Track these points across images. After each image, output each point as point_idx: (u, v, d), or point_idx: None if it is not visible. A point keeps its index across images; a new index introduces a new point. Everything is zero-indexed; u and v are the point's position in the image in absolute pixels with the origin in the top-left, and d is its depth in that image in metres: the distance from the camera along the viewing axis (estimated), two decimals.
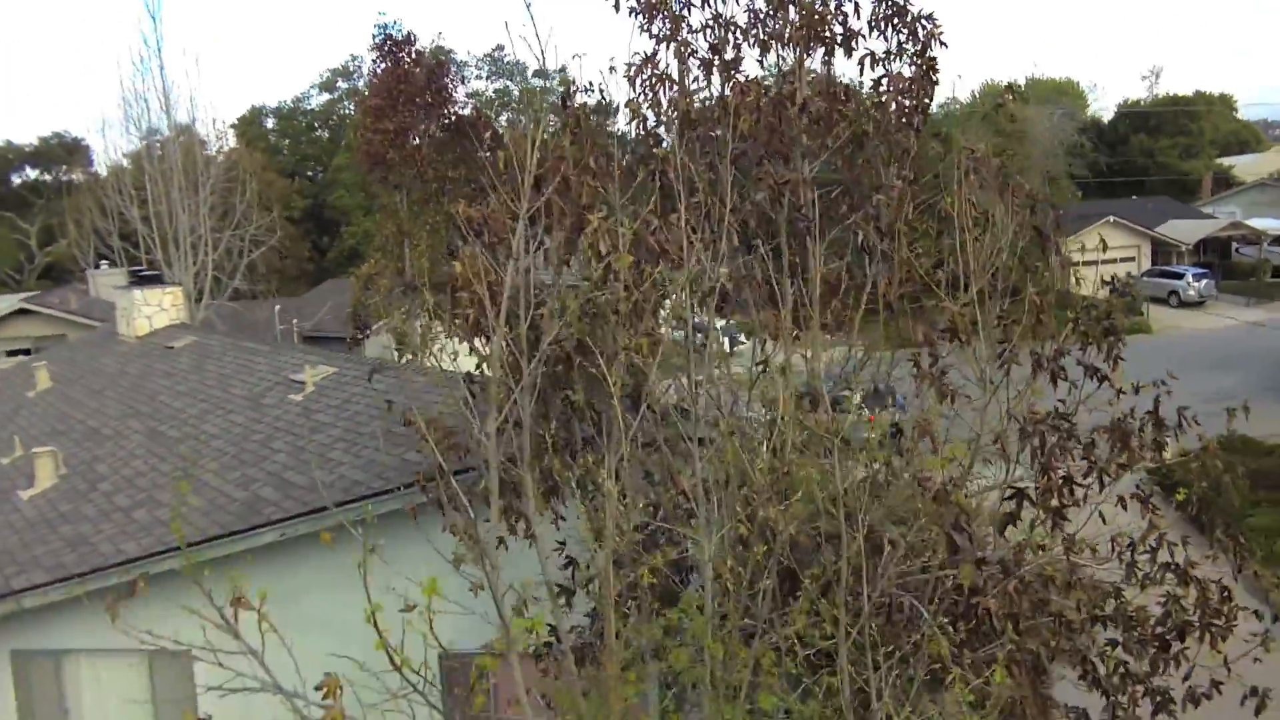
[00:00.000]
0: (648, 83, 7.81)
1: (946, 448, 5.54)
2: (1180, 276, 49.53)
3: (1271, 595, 8.11)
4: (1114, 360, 6.93)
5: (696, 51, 7.88)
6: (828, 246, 7.25)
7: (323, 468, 10.73)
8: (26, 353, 27.52)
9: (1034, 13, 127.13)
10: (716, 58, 7.81)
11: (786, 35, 7.36)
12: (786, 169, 7.33)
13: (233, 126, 54.39)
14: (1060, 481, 5.81)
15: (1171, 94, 79.77)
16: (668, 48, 7.89)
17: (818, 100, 7.18)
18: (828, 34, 7.72)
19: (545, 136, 7.80)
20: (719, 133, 7.16)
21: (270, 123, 62.13)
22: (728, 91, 7.55)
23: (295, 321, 27.16)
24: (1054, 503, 5.79)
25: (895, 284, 6.93)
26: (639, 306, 5.22)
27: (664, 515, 5.59)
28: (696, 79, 7.91)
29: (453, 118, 27.03)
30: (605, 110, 7.82)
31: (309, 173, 59.71)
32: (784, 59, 7.60)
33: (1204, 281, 49.41)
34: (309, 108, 62.43)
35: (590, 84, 7.82)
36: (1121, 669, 6.05)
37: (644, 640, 5.34)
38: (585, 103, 7.92)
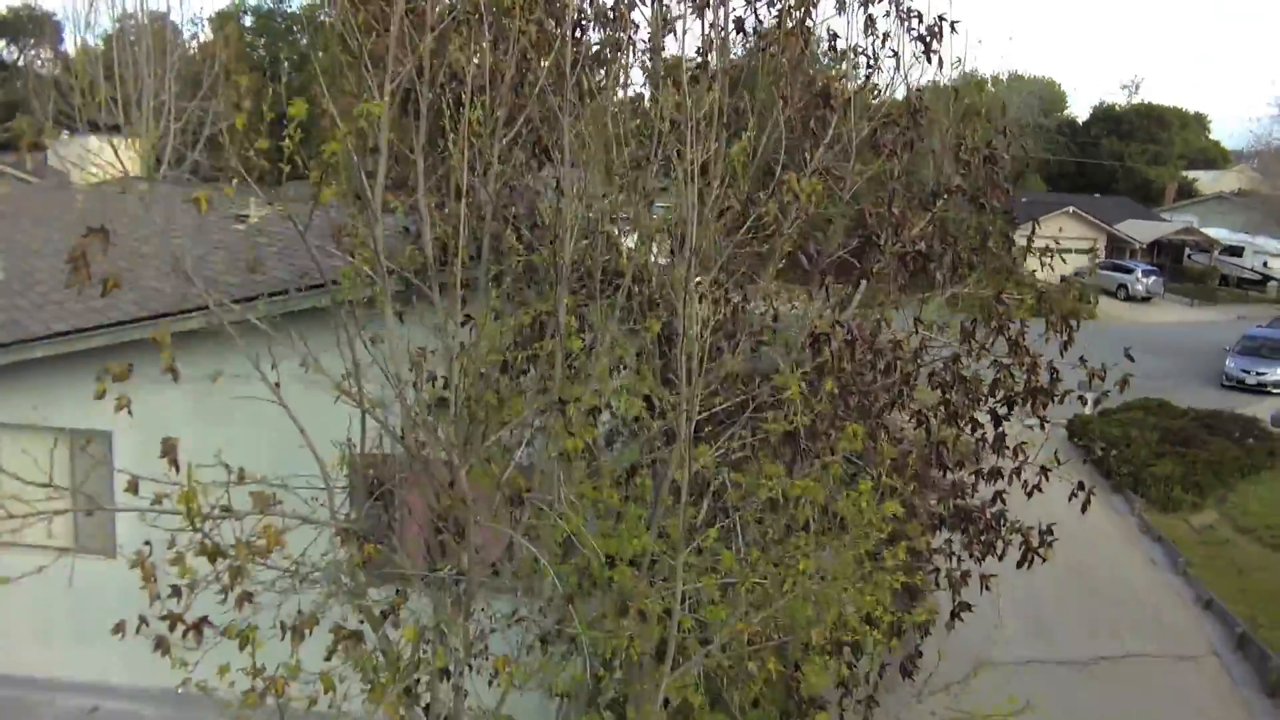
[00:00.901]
0: None
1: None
2: (1130, 271, 50.84)
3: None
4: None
5: None
6: None
7: (257, 270, 11.14)
8: None
9: (1022, 10, 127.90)
10: None
11: None
12: None
13: (209, 20, 53.69)
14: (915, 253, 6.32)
15: (1148, 102, 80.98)
16: None
17: None
18: None
19: None
20: None
21: (248, 20, 61.44)
22: None
23: (254, 200, 27.04)
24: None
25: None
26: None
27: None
28: None
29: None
30: None
31: (283, 77, 59.12)
32: None
33: (1152, 278, 50.83)
34: (291, 9, 61.78)
35: None
36: (945, 410, 6.62)
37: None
38: None
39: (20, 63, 50.65)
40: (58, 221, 17.63)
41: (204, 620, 5.30)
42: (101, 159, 20.05)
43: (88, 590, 11.27)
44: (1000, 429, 6.92)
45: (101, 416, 10.97)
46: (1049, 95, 78.82)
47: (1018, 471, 7.03)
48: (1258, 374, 31.26)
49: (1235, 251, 57.13)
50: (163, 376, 11.43)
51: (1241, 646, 15.47)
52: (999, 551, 7.09)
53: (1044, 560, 7.27)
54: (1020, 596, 17.21)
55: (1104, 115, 79.70)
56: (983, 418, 6.85)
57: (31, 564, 11.18)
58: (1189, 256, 58.92)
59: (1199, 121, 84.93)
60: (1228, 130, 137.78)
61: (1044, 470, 7.08)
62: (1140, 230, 56.51)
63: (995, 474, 7.01)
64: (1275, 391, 30.46)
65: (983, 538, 6.95)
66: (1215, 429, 23.14)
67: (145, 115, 24.88)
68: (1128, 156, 74.58)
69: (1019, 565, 7.17)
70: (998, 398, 6.82)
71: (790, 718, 5.72)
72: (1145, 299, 50.03)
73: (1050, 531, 7.18)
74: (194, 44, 35.91)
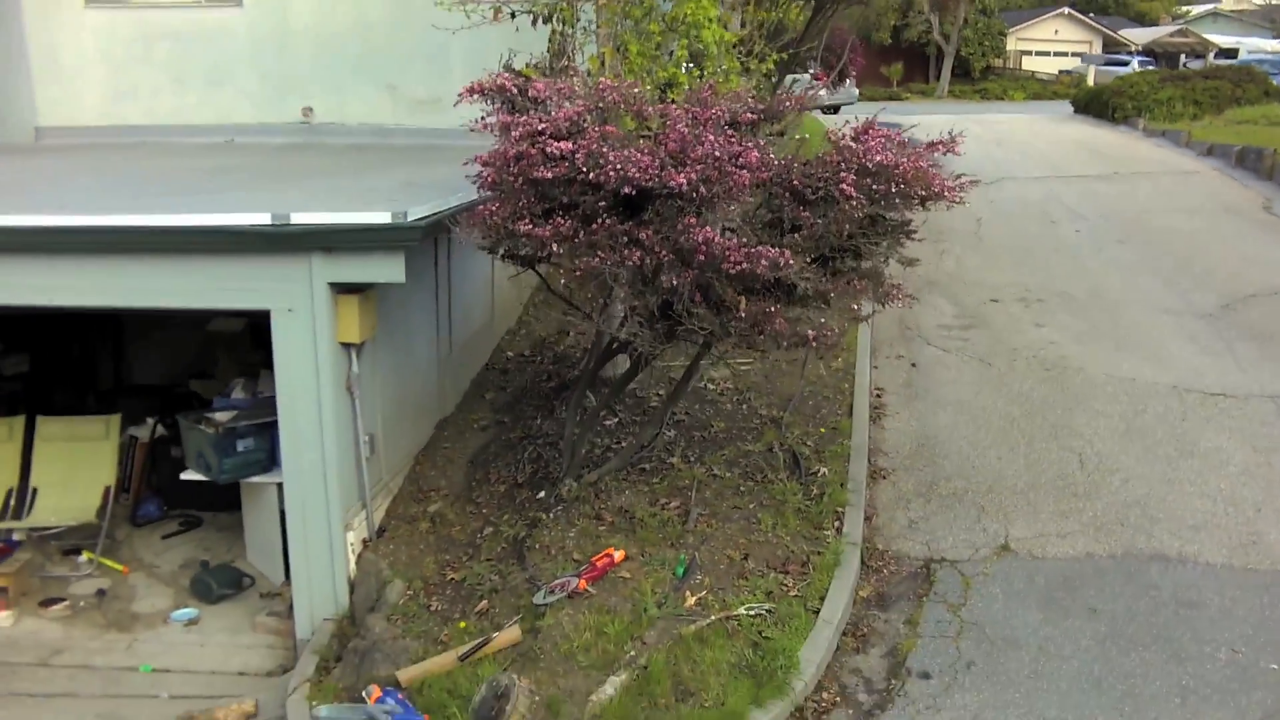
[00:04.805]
0: None
1: None
2: (1125, 64, 51.81)
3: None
4: None
5: None
6: None
7: None
8: None
9: None
10: None
11: None
12: None
13: None
14: None
15: None
16: None
17: None
18: None
19: None
20: None
21: None
22: None
23: None
24: None
25: None
26: None
27: None
28: None
29: None
30: None
31: None
32: None
33: (1150, 67, 51.81)
34: None
35: None
36: None
37: None
38: None
39: None
40: None
41: None
42: None
43: (216, 39, 12.64)
44: None
45: None
46: None
47: None
48: None
49: (1230, 54, 57.82)
50: None
51: (1240, 161, 16.95)
52: None
53: None
54: (1038, 158, 18.71)
55: None
56: None
57: (166, 20, 12.53)
58: (1184, 64, 59.69)
59: None
60: None
61: None
62: (1135, 34, 57.27)
63: None
64: None
65: None
66: (1212, 76, 24.51)
67: None
68: None
69: None
70: None
71: None
72: None
73: None
74: None
